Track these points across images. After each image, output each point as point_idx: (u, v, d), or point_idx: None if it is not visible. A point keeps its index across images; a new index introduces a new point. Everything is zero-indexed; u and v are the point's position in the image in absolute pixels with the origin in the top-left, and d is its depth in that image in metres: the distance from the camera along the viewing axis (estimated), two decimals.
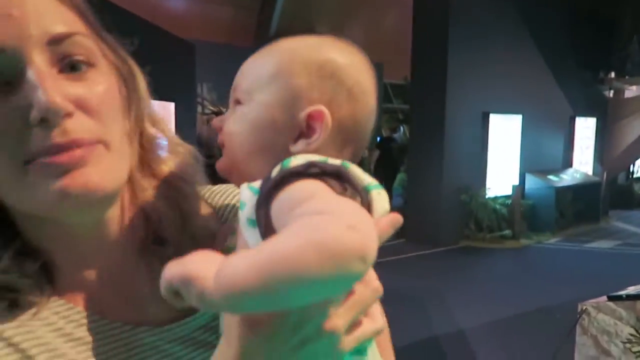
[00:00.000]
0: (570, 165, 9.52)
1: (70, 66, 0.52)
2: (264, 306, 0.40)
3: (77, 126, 0.51)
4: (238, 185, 0.55)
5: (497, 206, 7.83)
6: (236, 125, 0.57)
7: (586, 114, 9.65)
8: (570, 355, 2.52)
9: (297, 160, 0.50)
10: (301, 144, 0.54)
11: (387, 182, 9.46)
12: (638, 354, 2.12)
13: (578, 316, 2.44)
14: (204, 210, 0.68)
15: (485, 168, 8.03)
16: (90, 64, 0.54)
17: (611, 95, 10.06)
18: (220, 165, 0.58)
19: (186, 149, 0.67)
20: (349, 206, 0.43)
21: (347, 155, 0.57)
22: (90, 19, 0.56)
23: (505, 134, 8.19)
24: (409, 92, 9.05)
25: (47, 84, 0.49)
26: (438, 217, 7.48)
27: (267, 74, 0.56)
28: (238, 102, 0.58)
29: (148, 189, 0.62)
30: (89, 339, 0.56)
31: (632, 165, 11.67)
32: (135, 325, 0.59)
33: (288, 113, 0.54)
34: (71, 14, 0.54)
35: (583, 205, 8.92)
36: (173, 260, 0.43)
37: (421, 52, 7.71)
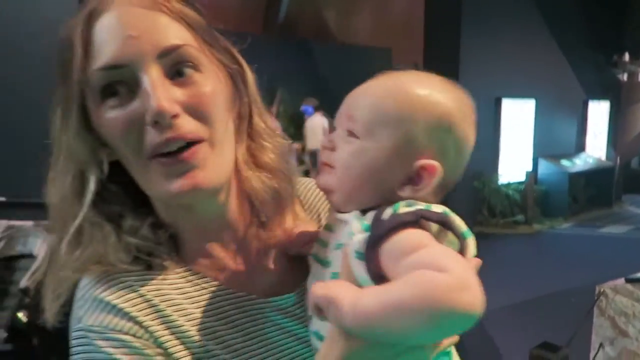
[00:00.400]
0: (583, 150, 9.43)
1: (178, 73, 0.61)
2: (382, 339, 0.49)
3: (184, 124, 0.60)
4: (332, 204, 0.62)
5: (510, 192, 7.80)
6: (354, 158, 0.60)
7: (599, 97, 9.53)
8: (587, 337, 2.53)
9: (406, 207, 0.55)
10: (408, 190, 0.59)
11: None
12: None
13: (596, 298, 2.45)
14: (296, 200, 0.78)
15: (498, 154, 7.97)
16: (196, 69, 0.62)
17: (625, 78, 9.91)
18: (324, 183, 0.63)
19: (284, 141, 0.75)
20: (460, 263, 0.49)
21: (440, 197, 0.63)
22: (198, 28, 0.64)
23: (518, 119, 8.12)
24: None
25: (158, 91, 0.58)
26: (450, 203, 7.34)
27: (388, 116, 0.59)
28: (353, 133, 0.61)
29: (252, 178, 0.70)
30: (207, 299, 0.67)
31: None
32: (246, 292, 0.68)
33: (404, 159, 0.59)
34: (179, 27, 0.62)
35: (596, 190, 8.86)
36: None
37: (433, 36, 7.62)
